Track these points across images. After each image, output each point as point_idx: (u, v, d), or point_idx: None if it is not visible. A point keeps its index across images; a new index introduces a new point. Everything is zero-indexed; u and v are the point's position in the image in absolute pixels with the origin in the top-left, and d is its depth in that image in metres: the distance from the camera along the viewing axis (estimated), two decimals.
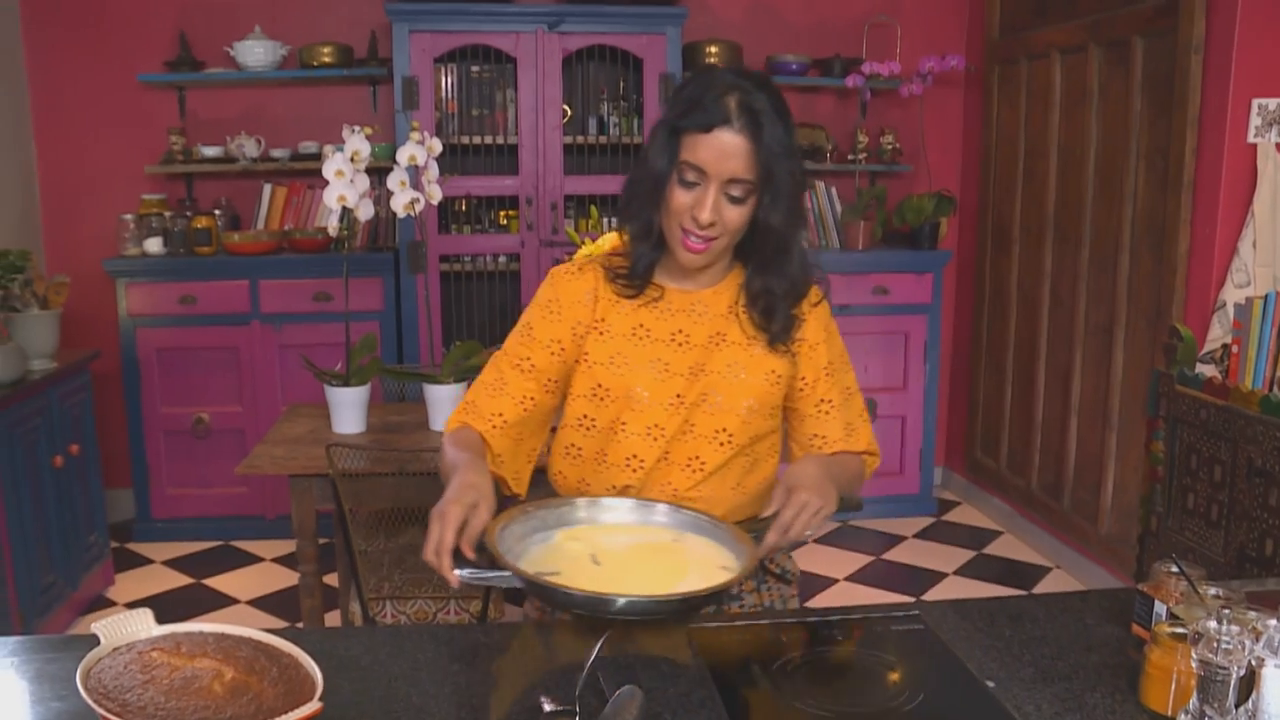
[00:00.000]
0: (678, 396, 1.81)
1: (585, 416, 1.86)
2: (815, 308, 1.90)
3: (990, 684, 1.43)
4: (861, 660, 1.52)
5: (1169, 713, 1.32)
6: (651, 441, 1.82)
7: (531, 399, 1.85)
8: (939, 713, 1.36)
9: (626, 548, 1.68)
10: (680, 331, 1.84)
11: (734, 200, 1.72)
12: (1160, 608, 1.47)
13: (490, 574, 1.49)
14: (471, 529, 1.51)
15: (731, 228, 1.74)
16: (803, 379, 1.89)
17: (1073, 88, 4.45)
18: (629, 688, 1.21)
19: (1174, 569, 1.49)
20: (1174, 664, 1.31)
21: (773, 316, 1.84)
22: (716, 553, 1.66)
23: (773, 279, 1.82)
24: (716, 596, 1.47)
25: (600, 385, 1.83)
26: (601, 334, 1.85)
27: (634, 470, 1.83)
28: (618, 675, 1.37)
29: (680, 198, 1.72)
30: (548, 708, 1.24)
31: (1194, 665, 1.23)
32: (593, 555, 1.62)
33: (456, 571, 1.47)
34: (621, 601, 1.42)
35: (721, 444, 1.83)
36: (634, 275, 1.84)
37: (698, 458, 1.83)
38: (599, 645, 1.27)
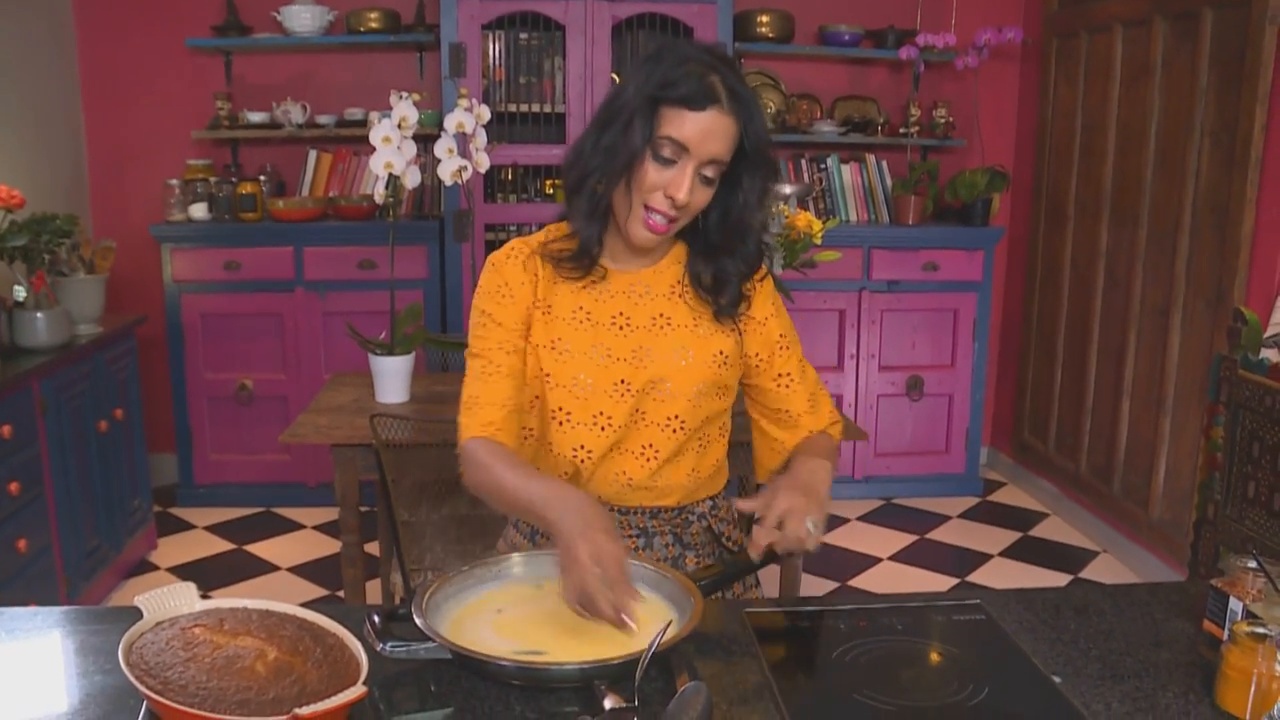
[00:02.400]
0: (622, 382, 1.73)
1: (535, 399, 1.77)
2: (761, 283, 1.83)
3: (1056, 679, 1.37)
4: (922, 651, 1.47)
5: (1248, 718, 1.26)
6: (599, 431, 1.74)
7: (520, 374, 1.75)
8: (1004, 709, 1.31)
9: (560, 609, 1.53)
10: (621, 314, 1.76)
11: (706, 181, 1.65)
12: (1236, 605, 1.40)
13: (419, 646, 1.35)
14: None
15: (696, 209, 1.68)
16: (756, 355, 1.82)
17: (1135, 61, 4.33)
18: (694, 684, 1.16)
19: (1251, 564, 1.42)
20: (1254, 666, 1.25)
21: (723, 291, 1.77)
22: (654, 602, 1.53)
23: (729, 262, 1.76)
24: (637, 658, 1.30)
25: (543, 370, 1.74)
26: (545, 314, 1.76)
27: (582, 460, 1.75)
28: (676, 662, 1.32)
29: (653, 174, 1.62)
30: (609, 704, 1.19)
31: (1278, 668, 1.18)
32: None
33: (380, 646, 1.34)
34: (562, 670, 1.31)
35: (674, 430, 1.76)
36: (583, 255, 1.74)
37: (651, 445, 1.76)
38: (659, 636, 1.23)
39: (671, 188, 1.62)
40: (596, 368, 1.73)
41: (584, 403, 1.73)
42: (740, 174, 1.68)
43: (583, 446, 1.75)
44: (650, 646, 1.23)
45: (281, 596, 3.88)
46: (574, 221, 1.73)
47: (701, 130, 1.60)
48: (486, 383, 1.73)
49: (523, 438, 1.80)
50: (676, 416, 1.75)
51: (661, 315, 1.77)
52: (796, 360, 1.86)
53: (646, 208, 1.65)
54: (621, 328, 1.75)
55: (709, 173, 1.64)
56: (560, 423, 1.75)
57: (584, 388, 1.73)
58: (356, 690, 1.18)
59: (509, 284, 1.76)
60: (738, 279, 1.77)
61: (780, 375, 1.84)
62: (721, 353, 1.77)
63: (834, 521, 4.81)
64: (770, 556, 1.57)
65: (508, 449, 1.69)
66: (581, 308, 1.76)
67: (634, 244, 1.71)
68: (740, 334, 1.80)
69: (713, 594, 1.60)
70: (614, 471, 1.77)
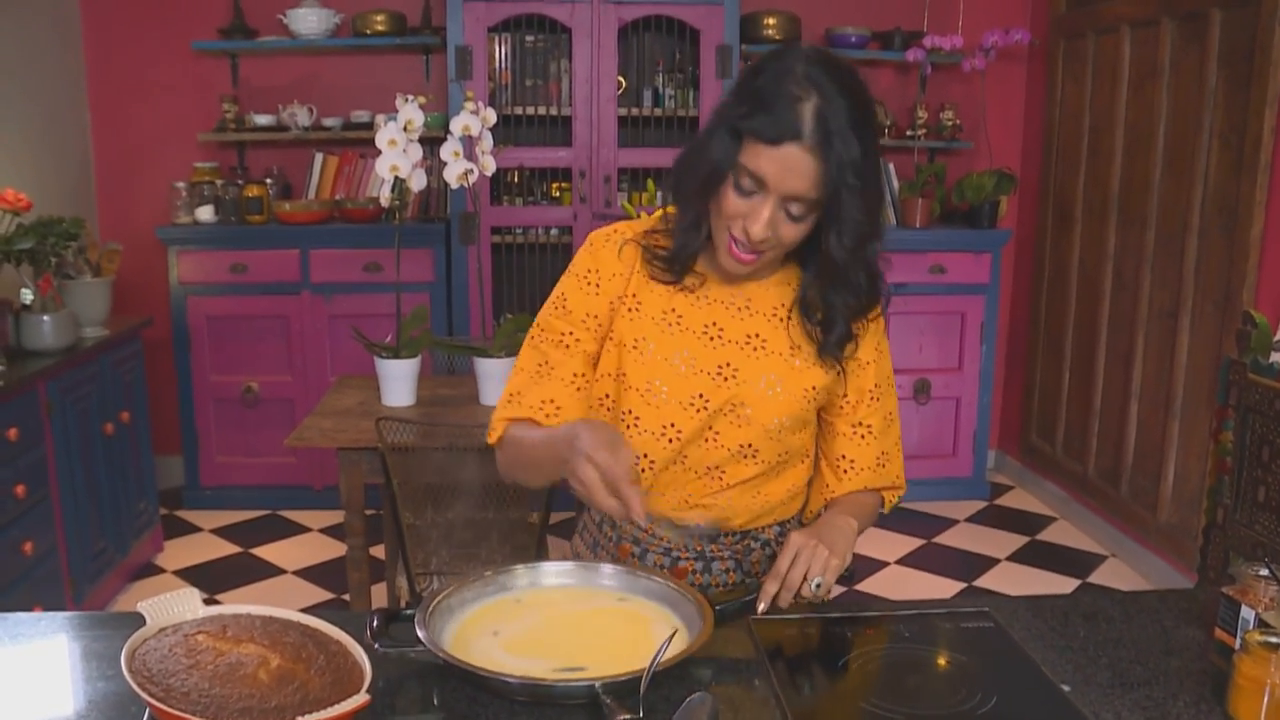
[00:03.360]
0: (699, 396, 1.63)
1: (606, 396, 1.70)
2: (871, 323, 1.70)
3: (1066, 688, 1.36)
4: (931, 659, 1.46)
5: None
6: (667, 442, 1.64)
7: (582, 376, 1.68)
8: (1013, 717, 1.30)
9: (570, 617, 1.51)
10: (714, 324, 1.65)
11: (792, 217, 1.51)
12: (1248, 613, 1.39)
13: (410, 649, 1.33)
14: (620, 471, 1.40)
15: (786, 243, 1.55)
16: (844, 397, 1.70)
17: (1142, 63, 4.32)
18: (700, 694, 1.14)
19: (1263, 571, 1.41)
20: (1267, 675, 1.24)
21: (831, 327, 1.64)
22: (661, 613, 1.50)
23: (836, 293, 1.61)
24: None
25: (620, 369, 1.66)
26: (631, 311, 1.66)
27: (643, 470, 1.67)
28: (678, 670, 1.31)
29: (734, 204, 1.51)
30: (616, 717, 1.17)
31: None
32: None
33: (375, 645, 1.31)
34: (567, 687, 1.28)
35: (746, 458, 1.66)
36: (674, 261, 1.64)
37: (718, 468, 1.67)
38: (661, 650, 1.21)
39: (749, 220, 1.51)
40: (676, 376, 1.64)
41: (655, 410, 1.65)
42: (831, 214, 1.52)
43: (645, 455, 1.66)
44: (653, 660, 1.22)
45: (287, 600, 3.88)
46: (676, 223, 1.64)
47: (779, 166, 1.46)
48: (535, 383, 1.68)
49: None
50: (750, 445, 1.66)
51: (757, 335, 1.66)
52: (883, 414, 1.73)
53: (731, 236, 1.55)
54: (713, 338, 1.65)
55: (794, 209, 1.51)
56: (628, 426, 1.66)
57: (658, 395, 1.64)
58: (359, 698, 1.17)
59: (599, 270, 1.68)
60: (846, 314, 1.64)
61: (859, 424, 1.72)
62: (814, 388, 1.66)
63: None
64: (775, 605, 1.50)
65: (528, 426, 1.67)
66: (674, 309, 1.66)
67: (725, 269, 1.61)
68: (842, 373, 1.68)
69: (728, 622, 1.49)
70: (674, 486, 1.69)
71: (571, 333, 1.68)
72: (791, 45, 1.53)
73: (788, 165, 1.46)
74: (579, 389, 1.69)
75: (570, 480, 1.45)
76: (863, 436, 1.72)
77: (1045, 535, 4.77)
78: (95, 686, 1.34)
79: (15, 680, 1.38)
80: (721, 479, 1.68)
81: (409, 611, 1.39)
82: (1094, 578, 4.31)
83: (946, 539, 4.70)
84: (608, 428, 1.49)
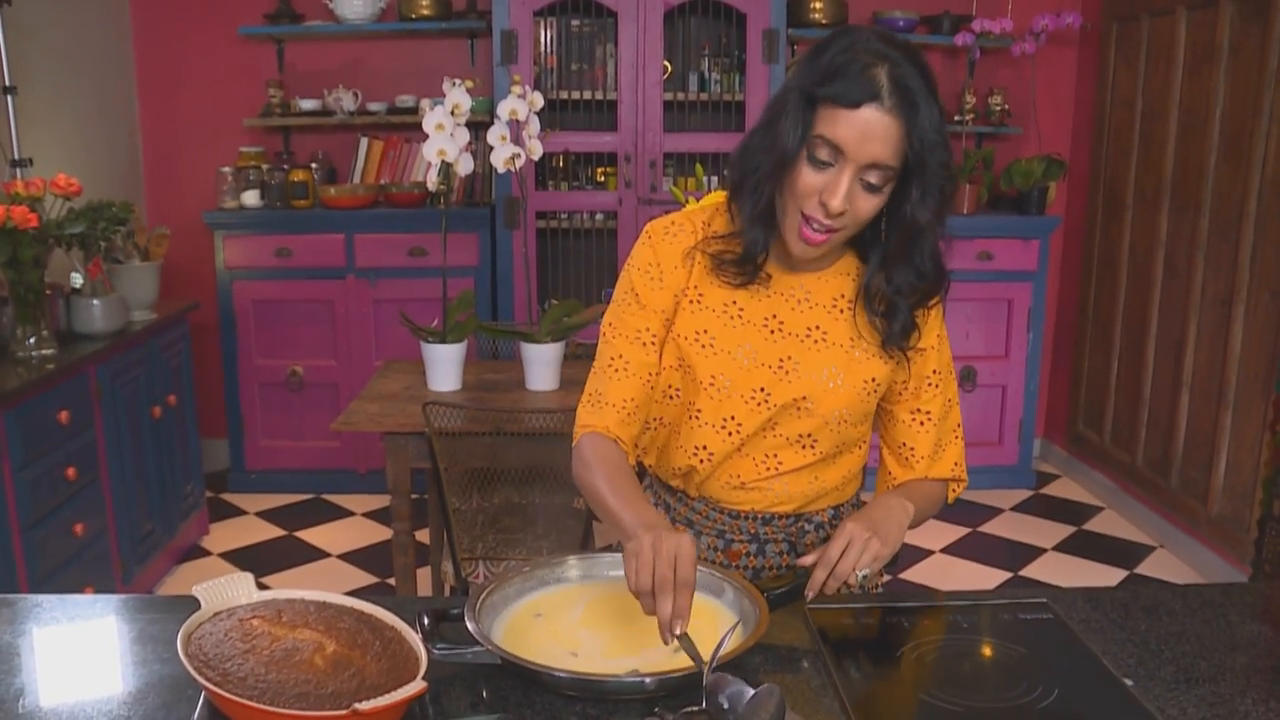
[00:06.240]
0: (761, 390, 1.62)
1: (671, 387, 1.69)
2: (932, 310, 1.67)
3: (1129, 682, 1.33)
4: (989, 650, 1.44)
5: None
6: (726, 435, 1.64)
7: (653, 372, 1.67)
8: (1075, 711, 1.28)
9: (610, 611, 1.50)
10: (774, 317, 1.64)
11: (869, 188, 1.47)
12: None
13: (467, 649, 1.31)
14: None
15: (860, 218, 1.51)
16: (903, 384, 1.69)
17: (1199, 45, 4.23)
18: (768, 686, 1.12)
19: None
20: None
21: (894, 317, 1.61)
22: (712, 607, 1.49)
23: (901, 274, 1.58)
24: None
25: (683, 361, 1.65)
26: (693, 303, 1.65)
27: (701, 461, 1.67)
28: (737, 659, 1.29)
29: (808, 178, 1.47)
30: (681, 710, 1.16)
31: None
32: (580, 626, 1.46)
33: (434, 651, 1.29)
34: (619, 682, 1.27)
35: (804, 448, 1.66)
36: (747, 260, 1.60)
37: (775, 456, 1.67)
38: (725, 638, 1.20)
39: (826, 193, 1.47)
40: (739, 369, 1.63)
41: (717, 404, 1.64)
42: (909, 180, 1.50)
43: (704, 447, 1.66)
44: (714, 653, 1.20)
45: (332, 583, 3.90)
46: (738, 220, 1.60)
47: (858, 131, 1.43)
48: (612, 380, 1.65)
49: (646, 428, 1.74)
50: (810, 435, 1.66)
51: (818, 328, 1.64)
52: (942, 401, 1.72)
53: (803, 216, 1.51)
54: (774, 331, 1.64)
55: (872, 179, 1.46)
56: (691, 417, 1.67)
57: (720, 388, 1.63)
58: (416, 685, 1.16)
59: (661, 264, 1.66)
60: (909, 300, 1.60)
61: (917, 411, 1.71)
62: (874, 379, 1.65)
63: None
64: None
65: (616, 452, 1.61)
66: (735, 302, 1.65)
67: (792, 255, 1.57)
68: (900, 362, 1.67)
69: (775, 608, 1.47)
70: (729, 473, 1.68)
71: (647, 328, 1.66)
72: (850, 25, 1.51)
73: (868, 130, 1.43)
74: (650, 384, 1.67)
75: (627, 552, 1.36)
76: (921, 424, 1.72)
77: (1092, 525, 4.71)
78: (151, 669, 1.34)
79: (73, 662, 1.39)
80: (778, 467, 1.67)
81: (456, 611, 1.38)
82: (1142, 569, 4.25)
83: (992, 528, 4.66)
84: (685, 537, 1.36)
